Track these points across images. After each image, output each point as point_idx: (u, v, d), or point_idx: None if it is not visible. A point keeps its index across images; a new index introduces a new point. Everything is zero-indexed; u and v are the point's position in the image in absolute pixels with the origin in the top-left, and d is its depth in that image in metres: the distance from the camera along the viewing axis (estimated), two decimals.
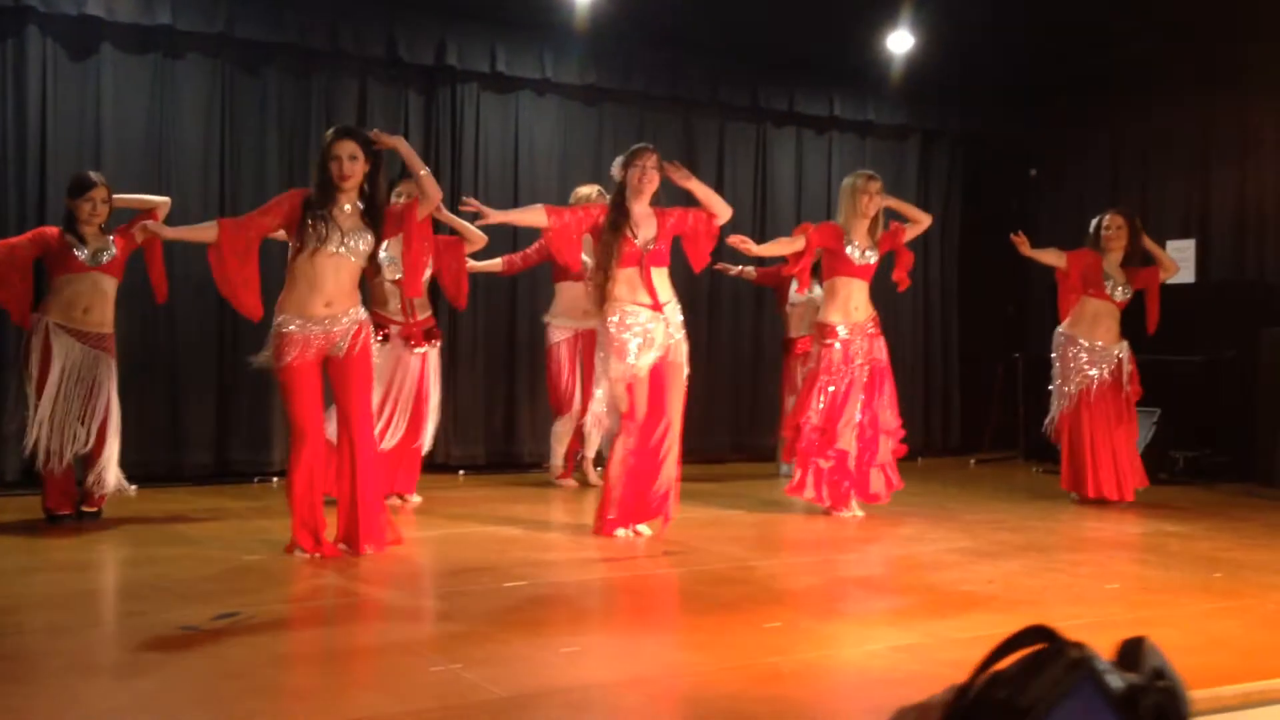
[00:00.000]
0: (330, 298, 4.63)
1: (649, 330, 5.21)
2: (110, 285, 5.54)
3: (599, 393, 5.39)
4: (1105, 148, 9.10)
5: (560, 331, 6.91)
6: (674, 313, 5.34)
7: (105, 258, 5.49)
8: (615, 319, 5.21)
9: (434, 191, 4.80)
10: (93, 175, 5.61)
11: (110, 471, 5.51)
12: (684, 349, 5.35)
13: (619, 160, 5.39)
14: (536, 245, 6.68)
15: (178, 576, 4.34)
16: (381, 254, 6.07)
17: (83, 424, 5.41)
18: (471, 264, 6.57)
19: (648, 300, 5.24)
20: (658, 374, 5.27)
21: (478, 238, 6.19)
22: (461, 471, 7.59)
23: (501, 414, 7.90)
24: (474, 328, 7.81)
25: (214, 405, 7.07)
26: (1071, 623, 3.74)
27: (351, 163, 4.61)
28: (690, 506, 6.28)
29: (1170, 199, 8.71)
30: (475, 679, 3.10)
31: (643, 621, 3.82)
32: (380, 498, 4.88)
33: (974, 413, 9.55)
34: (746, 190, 8.82)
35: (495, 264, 6.86)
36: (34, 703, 2.91)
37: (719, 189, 8.74)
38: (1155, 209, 8.69)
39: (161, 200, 5.68)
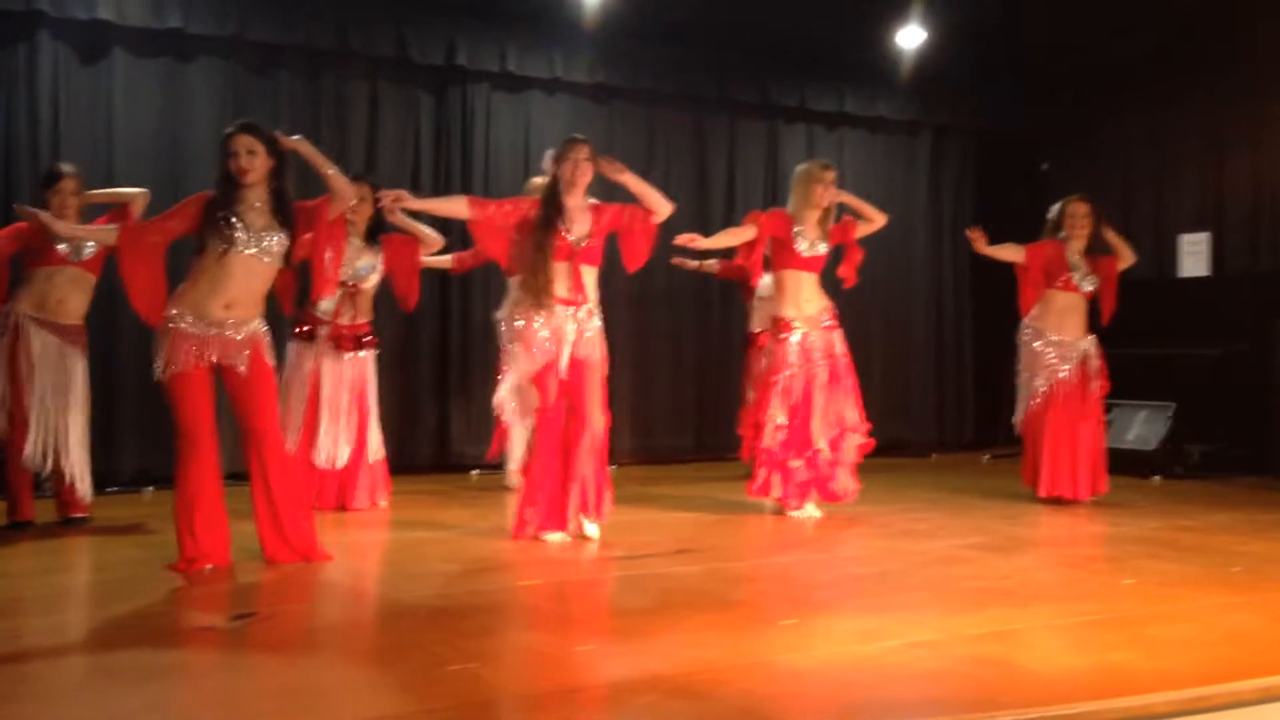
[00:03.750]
0: (232, 300, 4.43)
1: (559, 326, 5.09)
2: (89, 281, 5.48)
3: (504, 388, 5.23)
4: (1117, 140, 9.05)
5: None
6: (589, 313, 5.18)
7: (87, 253, 5.43)
8: (523, 312, 5.10)
9: (345, 190, 4.59)
10: (63, 167, 5.52)
11: (85, 475, 5.43)
12: (599, 346, 5.18)
13: (550, 153, 5.24)
14: None
15: (194, 577, 4.35)
16: (360, 262, 6.05)
17: (53, 422, 5.33)
18: (422, 259, 6.51)
19: (576, 297, 5.10)
20: (572, 372, 5.13)
21: (433, 239, 6.13)
22: (475, 471, 7.60)
23: None
24: (484, 324, 7.79)
25: (226, 409, 7.06)
26: (1087, 618, 3.74)
27: (250, 157, 4.41)
28: (696, 506, 6.27)
29: (1183, 191, 8.66)
30: (492, 678, 3.10)
31: (657, 620, 3.81)
32: (307, 510, 4.66)
33: (988, 409, 9.52)
34: (757, 187, 8.82)
35: (446, 260, 6.73)
36: (52, 705, 2.93)
37: (729, 186, 8.86)
38: (1168, 201, 8.66)
39: (138, 192, 5.52)
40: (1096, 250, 6.54)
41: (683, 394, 8.53)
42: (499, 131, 7.90)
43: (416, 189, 7.49)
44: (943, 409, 9.53)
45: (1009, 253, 6.57)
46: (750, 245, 5.92)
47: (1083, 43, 8.47)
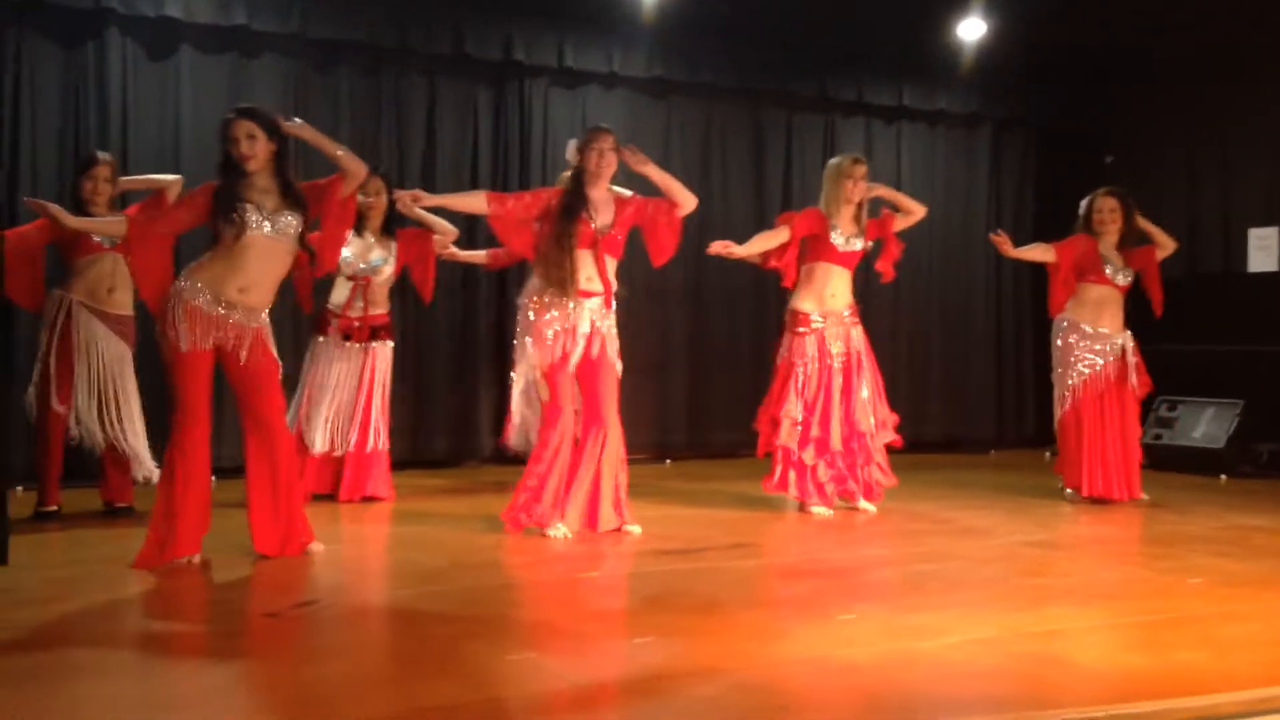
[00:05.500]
0: (248, 284, 4.37)
1: (570, 317, 5.05)
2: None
3: (515, 378, 5.15)
4: (1183, 133, 8.88)
5: None
6: (607, 306, 5.14)
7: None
8: (537, 302, 5.06)
9: (356, 168, 4.51)
10: (98, 154, 5.57)
11: (145, 460, 5.47)
12: (614, 345, 5.16)
13: (573, 143, 5.20)
14: None
15: (256, 564, 4.42)
16: (373, 255, 6.06)
17: (105, 412, 5.36)
18: (455, 252, 6.47)
19: (598, 287, 5.08)
20: (588, 371, 5.10)
21: (447, 230, 6.14)
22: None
23: None
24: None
25: (289, 394, 7.15)
26: (1151, 617, 3.68)
27: (250, 142, 4.36)
28: (752, 501, 6.25)
29: (1251, 185, 8.47)
30: (550, 668, 3.13)
31: (715, 613, 3.82)
32: (301, 502, 4.64)
33: (1048, 404, 9.37)
34: (814, 181, 8.68)
35: (480, 256, 6.75)
36: (119, 688, 2.99)
37: (786, 180, 8.81)
38: (1236, 195, 8.48)
39: (172, 179, 5.52)
40: (1131, 243, 6.38)
41: (738, 389, 8.48)
42: (556, 126, 7.92)
43: (475, 184, 7.56)
44: (1002, 405, 9.41)
45: (1038, 253, 6.43)
46: (784, 247, 5.83)
47: (1148, 35, 8.31)
